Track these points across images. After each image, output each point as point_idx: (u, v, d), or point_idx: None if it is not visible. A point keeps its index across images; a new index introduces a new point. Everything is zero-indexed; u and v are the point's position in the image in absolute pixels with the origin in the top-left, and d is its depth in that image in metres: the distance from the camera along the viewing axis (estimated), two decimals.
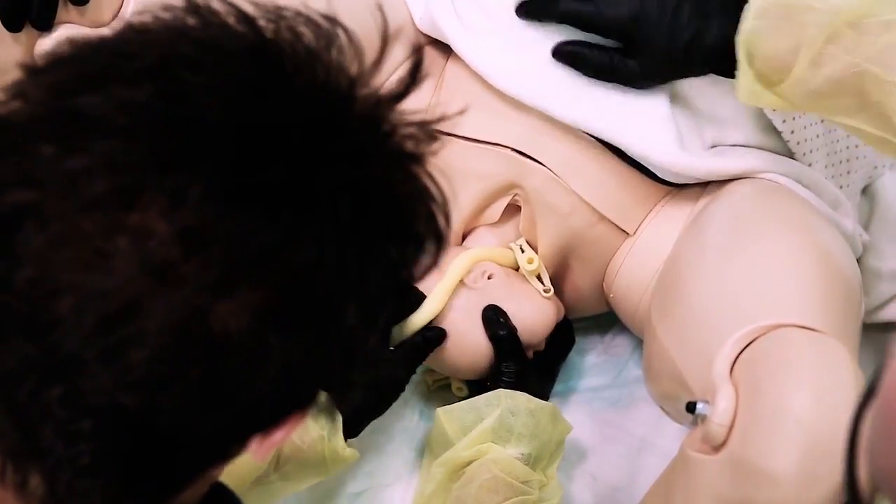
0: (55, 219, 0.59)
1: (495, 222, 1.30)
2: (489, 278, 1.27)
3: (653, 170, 1.24)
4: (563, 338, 1.32)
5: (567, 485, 1.28)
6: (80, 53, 0.64)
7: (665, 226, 1.26)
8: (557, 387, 1.34)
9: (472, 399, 1.21)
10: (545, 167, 1.25)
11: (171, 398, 0.60)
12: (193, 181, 0.59)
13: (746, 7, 1.05)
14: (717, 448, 0.96)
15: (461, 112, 1.11)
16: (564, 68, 1.20)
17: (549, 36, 1.22)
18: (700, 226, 1.21)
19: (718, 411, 0.95)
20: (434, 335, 1.23)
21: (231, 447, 0.66)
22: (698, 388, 1.03)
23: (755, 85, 1.06)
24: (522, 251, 1.28)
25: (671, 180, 1.25)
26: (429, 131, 0.66)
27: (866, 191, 1.37)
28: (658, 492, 1.09)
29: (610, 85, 1.20)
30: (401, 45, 1.37)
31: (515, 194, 1.28)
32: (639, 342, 1.37)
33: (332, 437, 1.16)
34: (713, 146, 1.24)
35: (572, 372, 1.39)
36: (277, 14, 0.65)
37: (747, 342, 0.99)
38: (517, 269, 1.29)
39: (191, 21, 0.64)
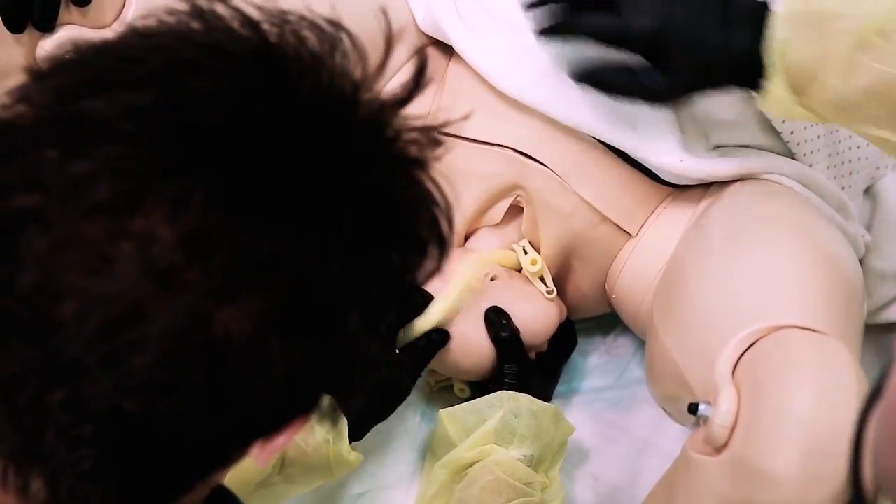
0: (58, 223, 0.58)
1: (498, 223, 1.30)
2: (492, 280, 1.27)
3: (655, 171, 1.24)
4: (565, 339, 1.32)
5: (569, 486, 1.28)
6: (84, 58, 0.64)
7: (667, 227, 1.26)
8: (560, 388, 1.34)
9: (475, 401, 1.21)
10: (547, 168, 1.25)
11: (173, 404, 0.59)
12: (197, 186, 0.58)
13: (771, 14, 1.02)
14: (719, 449, 0.96)
15: (465, 117, 1.11)
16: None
17: None
18: (702, 227, 1.21)
19: (720, 412, 0.95)
20: (438, 337, 1.23)
21: (232, 452, 0.66)
22: (700, 389, 1.03)
23: (788, 94, 1.03)
24: (525, 253, 1.28)
25: (673, 181, 1.25)
26: (432, 136, 0.66)
27: (868, 191, 1.37)
28: (660, 493, 1.09)
29: None
30: (403, 46, 1.36)
31: (518, 195, 1.28)
32: (641, 343, 1.37)
33: (336, 441, 1.16)
34: (715, 147, 1.24)
35: (574, 373, 1.39)
36: (281, 18, 0.65)
37: (749, 343, 0.99)
38: (520, 270, 1.29)
39: (195, 25, 0.64)
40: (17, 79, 0.64)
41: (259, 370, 0.61)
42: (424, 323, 1.22)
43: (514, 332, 1.24)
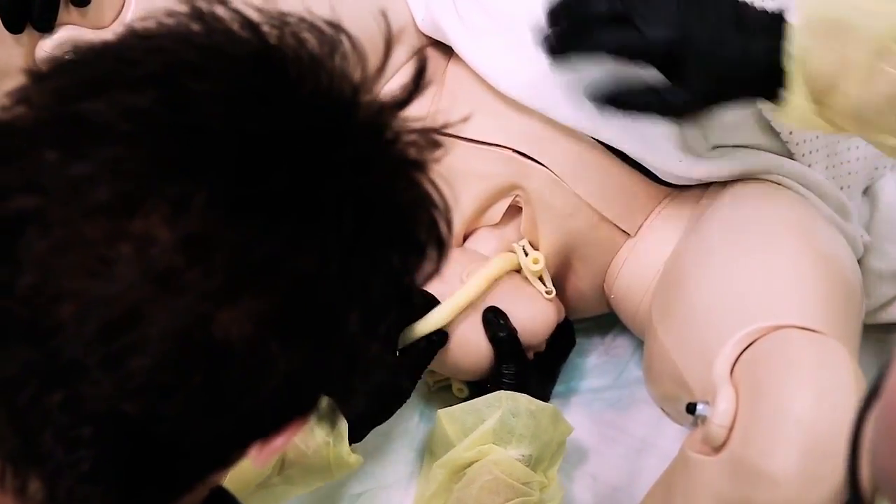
0: (58, 225, 0.58)
1: (496, 223, 1.30)
2: None
3: (654, 171, 1.24)
4: (563, 339, 1.32)
5: (567, 485, 1.28)
6: (84, 59, 0.64)
7: (666, 227, 1.26)
8: (558, 388, 1.34)
9: (473, 400, 1.21)
10: (546, 168, 1.25)
11: (173, 406, 0.59)
12: (197, 188, 0.58)
13: (788, 24, 1.00)
14: (718, 449, 0.96)
15: (464, 120, 1.10)
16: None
17: None
18: (701, 227, 1.21)
19: (719, 412, 0.95)
20: (437, 338, 1.23)
21: (231, 454, 0.66)
22: (699, 388, 1.03)
23: (808, 104, 1.00)
24: (526, 253, 1.28)
25: (672, 182, 1.25)
26: (431, 138, 0.66)
27: (867, 191, 1.37)
28: (658, 492, 1.09)
29: None
30: (403, 46, 1.36)
31: (517, 195, 1.28)
32: (639, 343, 1.37)
33: (337, 443, 1.16)
34: (714, 147, 1.24)
35: (573, 373, 1.40)
36: (281, 20, 0.65)
37: (748, 343, 0.99)
38: (519, 270, 1.29)
39: (195, 27, 0.64)
40: (16, 79, 0.64)
41: (259, 372, 0.61)
42: (424, 326, 1.22)
43: (512, 332, 1.24)
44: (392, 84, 0.66)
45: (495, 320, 1.24)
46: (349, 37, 0.66)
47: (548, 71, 1.19)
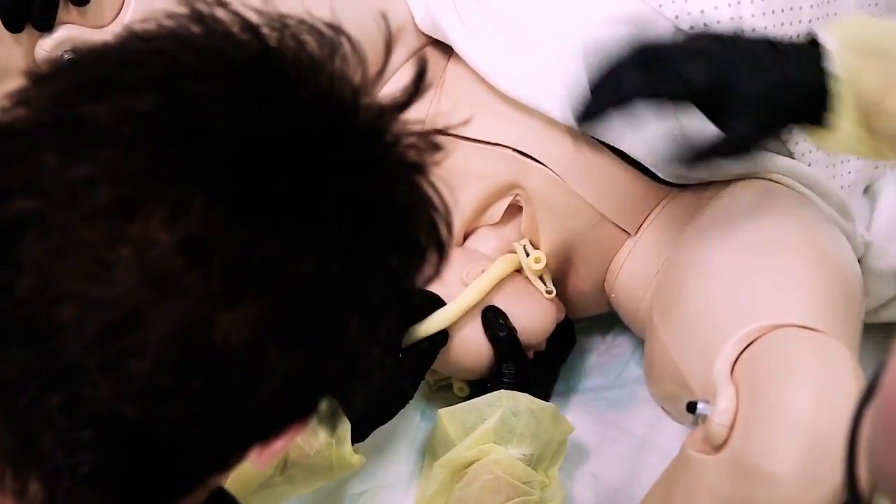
0: (58, 227, 0.58)
1: (496, 223, 1.30)
2: None
3: (654, 171, 1.24)
4: (564, 338, 1.32)
5: (568, 485, 1.28)
6: (84, 61, 0.64)
7: (666, 226, 1.26)
8: (558, 387, 1.34)
9: (474, 400, 1.22)
10: (546, 167, 1.25)
11: (172, 409, 0.59)
12: (196, 191, 0.58)
13: (826, 48, 0.97)
14: (718, 448, 0.96)
15: (465, 122, 1.10)
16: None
17: (551, 36, 1.22)
18: (701, 226, 1.21)
19: (719, 411, 0.95)
20: (438, 338, 1.23)
21: (231, 457, 0.66)
22: (699, 387, 1.03)
23: (856, 128, 0.98)
24: (527, 253, 1.28)
25: (672, 181, 1.25)
26: (431, 141, 0.66)
27: (867, 191, 1.37)
28: (659, 491, 1.10)
29: None
30: (402, 46, 1.36)
31: (517, 195, 1.28)
32: (640, 342, 1.37)
33: (339, 444, 1.16)
34: None
35: (573, 372, 1.40)
36: (281, 22, 0.65)
37: (748, 342, 0.99)
38: (519, 270, 1.29)
39: (195, 29, 0.64)
40: (16, 79, 0.64)
41: (258, 375, 0.61)
42: (429, 327, 1.22)
43: (512, 331, 1.24)
44: (391, 85, 0.66)
45: (495, 320, 1.24)
46: (349, 39, 0.66)
47: (548, 70, 1.19)
